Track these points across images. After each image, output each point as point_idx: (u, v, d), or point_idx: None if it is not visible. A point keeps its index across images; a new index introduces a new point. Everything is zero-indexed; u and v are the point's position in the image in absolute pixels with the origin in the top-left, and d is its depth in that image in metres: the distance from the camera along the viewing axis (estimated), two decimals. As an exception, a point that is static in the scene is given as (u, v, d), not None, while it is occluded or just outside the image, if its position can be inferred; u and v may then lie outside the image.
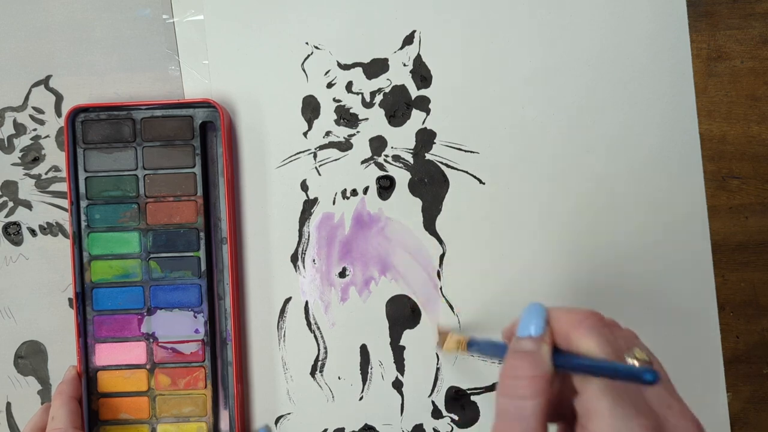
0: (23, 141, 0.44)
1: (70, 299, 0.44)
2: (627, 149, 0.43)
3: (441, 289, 0.44)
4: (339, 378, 0.44)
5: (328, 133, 0.44)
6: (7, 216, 0.44)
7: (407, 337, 0.44)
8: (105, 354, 0.43)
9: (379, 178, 0.44)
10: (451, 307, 0.44)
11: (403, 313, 0.44)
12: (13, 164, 0.44)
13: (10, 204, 0.44)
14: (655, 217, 0.44)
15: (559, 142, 0.44)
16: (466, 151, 0.44)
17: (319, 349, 0.44)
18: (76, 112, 0.43)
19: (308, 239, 0.44)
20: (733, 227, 0.44)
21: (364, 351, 0.44)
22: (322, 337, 0.44)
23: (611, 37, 0.44)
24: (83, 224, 0.43)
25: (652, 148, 0.44)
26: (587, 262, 0.43)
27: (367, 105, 0.44)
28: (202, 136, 0.43)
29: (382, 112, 0.44)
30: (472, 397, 0.44)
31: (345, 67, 0.44)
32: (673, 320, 0.43)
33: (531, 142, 0.44)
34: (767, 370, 0.44)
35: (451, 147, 0.44)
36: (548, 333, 0.29)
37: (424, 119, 0.44)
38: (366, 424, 0.44)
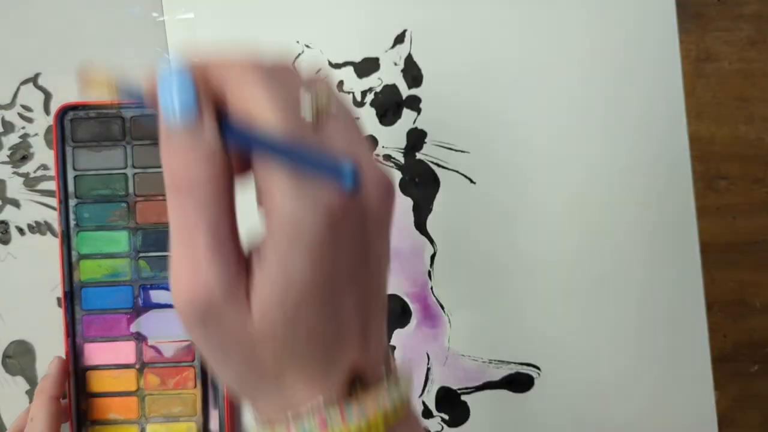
0: (11, 139, 0.44)
1: (58, 298, 0.44)
2: (616, 150, 0.44)
3: (432, 288, 0.44)
4: (329, 377, 0.44)
5: (318, 133, 0.44)
6: (-6, 215, 0.44)
7: (398, 337, 0.44)
8: (94, 354, 0.42)
9: (369, 178, 0.44)
10: (442, 306, 0.44)
11: (393, 313, 0.44)
12: (1, 162, 0.44)
13: (-2, 202, 0.44)
14: (643, 217, 0.44)
15: (549, 142, 0.44)
16: (457, 150, 0.44)
17: (309, 349, 0.44)
18: (65, 110, 0.42)
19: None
20: (721, 227, 0.44)
21: (354, 350, 0.44)
22: (312, 336, 0.44)
23: (600, 38, 0.44)
24: (72, 223, 0.42)
25: (640, 149, 0.44)
26: (577, 260, 0.44)
27: (358, 104, 0.44)
28: (193, 134, 0.43)
29: (373, 111, 0.44)
30: (463, 397, 0.44)
31: (336, 66, 0.44)
32: (661, 319, 0.44)
33: (521, 141, 0.44)
34: (754, 369, 0.44)
35: (442, 146, 0.44)
36: (205, 102, 0.22)
37: (415, 119, 0.44)
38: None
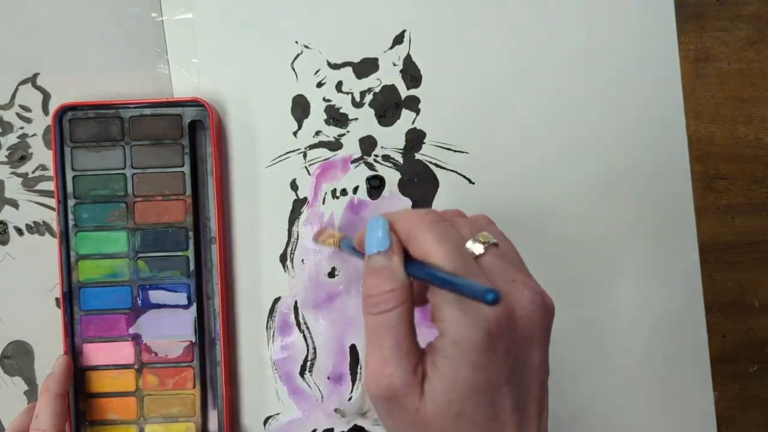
0: (10, 139, 0.44)
1: (57, 299, 0.44)
2: (615, 150, 0.44)
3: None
4: (328, 378, 0.44)
5: (317, 133, 0.44)
6: (-7, 215, 0.44)
7: (397, 337, 0.44)
8: (92, 354, 0.42)
9: (368, 178, 0.44)
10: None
11: (392, 313, 0.44)
12: (0, 163, 0.44)
13: (-3, 203, 0.44)
14: (643, 217, 0.44)
15: (548, 142, 0.44)
16: (455, 151, 0.44)
17: (308, 349, 0.44)
18: (63, 111, 0.42)
19: (297, 239, 0.44)
20: (721, 227, 0.44)
21: (353, 351, 0.44)
22: (311, 337, 0.44)
23: (600, 38, 0.44)
24: (71, 223, 0.42)
25: (640, 149, 0.44)
26: (576, 261, 0.44)
27: (357, 105, 0.44)
28: (191, 135, 0.43)
29: (371, 111, 0.44)
30: (462, 397, 0.44)
31: (335, 66, 0.44)
32: (660, 319, 0.44)
33: (520, 142, 0.44)
34: (754, 369, 0.44)
35: (440, 147, 0.44)
36: (395, 243, 0.29)
37: (414, 119, 0.44)
38: (355, 425, 0.44)
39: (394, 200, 0.44)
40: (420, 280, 0.29)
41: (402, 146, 0.44)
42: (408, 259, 0.29)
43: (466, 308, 0.27)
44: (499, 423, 0.28)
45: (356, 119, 0.44)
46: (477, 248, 0.29)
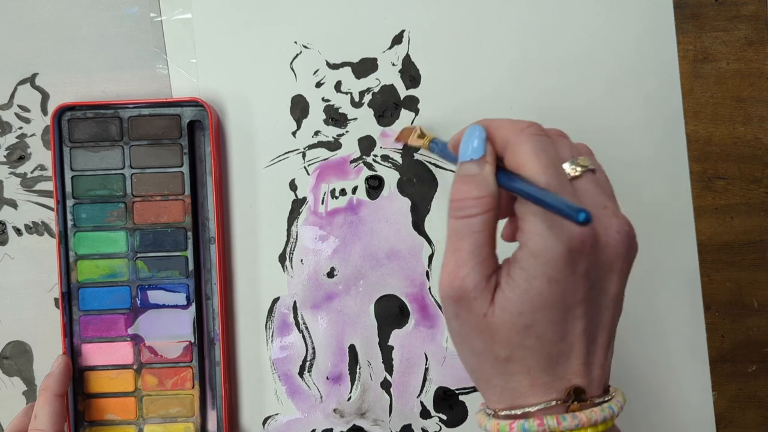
0: (8, 139, 0.44)
1: (56, 299, 0.44)
2: (614, 150, 0.44)
3: (429, 289, 0.44)
4: (327, 378, 0.44)
5: (317, 133, 0.44)
6: (-8, 215, 0.44)
7: (396, 337, 0.44)
8: (91, 354, 0.42)
9: (368, 178, 0.44)
10: (439, 306, 0.44)
11: (391, 313, 0.44)
12: (-1, 163, 0.44)
13: (-5, 203, 0.44)
14: (641, 217, 0.44)
15: (547, 142, 0.44)
16: (454, 151, 0.44)
17: (307, 350, 0.44)
18: (62, 111, 0.42)
19: (296, 239, 0.44)
20: (719, 227, 0.44)
21: (352, 351, 0.44)
22: (310, 337, 0.44)
23: (599, 38, 0.44)
24: (69, 223, 0.42)
25: (639, 149, 0.44)
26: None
27: (356, 105, 0.44)
28: (190, 135, 0.43)
29: (371, 111, 0.44)
30: (461, 397, 0.44)
31: (334, 66, 0.44)
32: (659, 319, 0.44)
33: (519, 142, 0.44)
34: (752, 369, 0.44)
35: (439, 147, 0.44)
36: (490, 152, 0.29)
37: (413, 119, 0.44)
38: (354, 425, 0.44)
39: (394, 200, 0.44)
40: (511, 191, 0.28)
41: (401, 146, 0.44)
42: (500, 170, 0.29)
43: (551, 222, 0.27)
44: (566, 344, 0.27)
45: (355, 119, 0.44)
46: (574, 170, 0.29)
